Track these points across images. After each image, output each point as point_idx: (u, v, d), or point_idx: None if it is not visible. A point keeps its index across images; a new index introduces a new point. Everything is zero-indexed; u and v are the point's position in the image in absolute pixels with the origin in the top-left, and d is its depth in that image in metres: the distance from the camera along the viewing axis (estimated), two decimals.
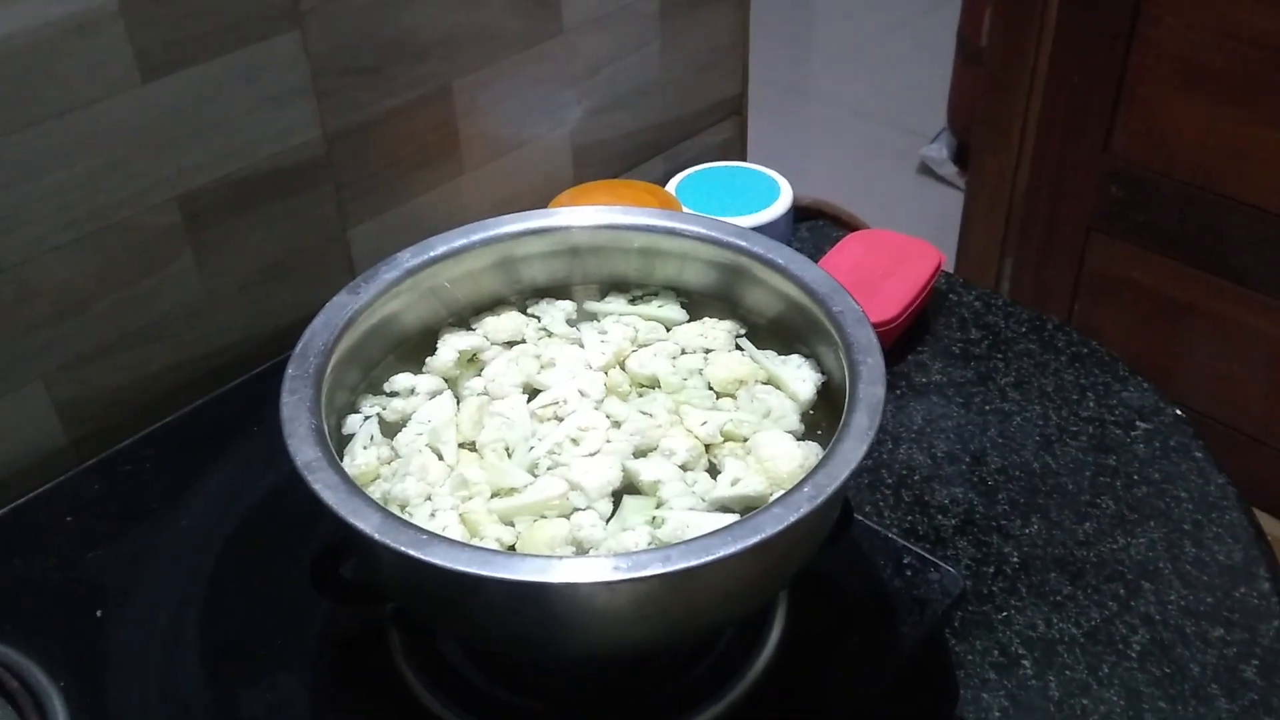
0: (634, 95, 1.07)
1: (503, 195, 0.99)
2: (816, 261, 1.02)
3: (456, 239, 0.67)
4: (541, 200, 0.96)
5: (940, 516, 0.85)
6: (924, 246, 1.04)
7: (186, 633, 0.66)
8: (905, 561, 0.68)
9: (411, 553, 0.49)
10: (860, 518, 0.72)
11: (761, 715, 0.61)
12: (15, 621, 0.66)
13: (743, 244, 0.66)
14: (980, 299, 1.06)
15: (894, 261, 1.02)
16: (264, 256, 0.86)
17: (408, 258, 0.66)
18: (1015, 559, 0.82)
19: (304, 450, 0.53)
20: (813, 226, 1.16)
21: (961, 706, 0.73)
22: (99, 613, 0.67)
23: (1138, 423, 0.93)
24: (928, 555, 0.68)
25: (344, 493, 0.51)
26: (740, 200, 1.01)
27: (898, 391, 0.96)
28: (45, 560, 0.71)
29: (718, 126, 1.18)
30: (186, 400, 0.83)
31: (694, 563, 0.47)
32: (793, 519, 0.50)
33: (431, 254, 0.66)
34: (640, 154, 1.11)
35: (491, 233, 0.67)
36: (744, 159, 1.23)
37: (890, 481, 0.88)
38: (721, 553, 0.48)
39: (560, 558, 0.51)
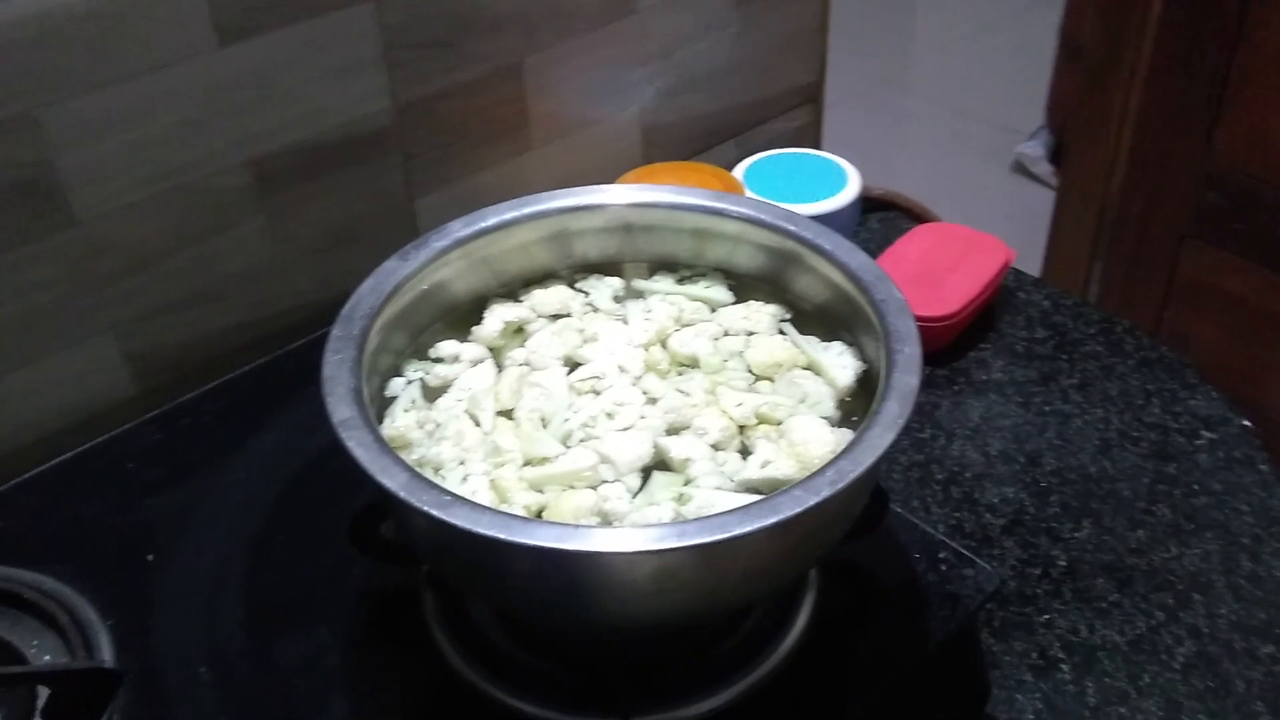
0: (707, 78, 1.07)
1: (569, 172, 1.00)
2: (882, 252, 1.02)
3: (507, 211, 0.68)
4: (607, 179, 0.96)
5: (988, 515, 0.84)
6: (993, 242, 1.02)
7: (231, 580, 0.68)
8: (941, 556, 0.68)
9: (434, 513, 0.50)
10: (900, 510, 0.71)
11: (784, 696, 0.61)
12: (72, 560, 0.69)
13: (790, 228, 0.66)
14: (1050, 298, 1.04)
15: (961, 256, 1.01)
16: (331, 222, 0.88)
17: (458, 227, 0.67)
18: (1063, 562, 0.81)
19: (341, 408, 0.55)
20: (884, 218, 1.15)
21: (994, 706, 0.72)
22: (150, 557, 0.70)
23: (1202, 432, 0.91)
24: (964, 551, 0.67)
25: (375, 451, 0.53)
26: (807, 187, 1.00)
27: (955, 388, 0.95)
28: (104, 504, 0.74)
29: (793, 113, 1.17)
30: (249, 359, 0.85)
31: (704, 539, 0.48)
32: (812, 502, 0.50)
33: (482, 225, 0.67)
34: (712, 138, 1.11)
35: (542, 207, 0.68)
36: (818, 147, 1.22)
37: (940, 477, 0.87)
38: (735, 531, 0.48)
39: (577, 526, 0.51)
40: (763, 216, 0.67)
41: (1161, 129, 1.71)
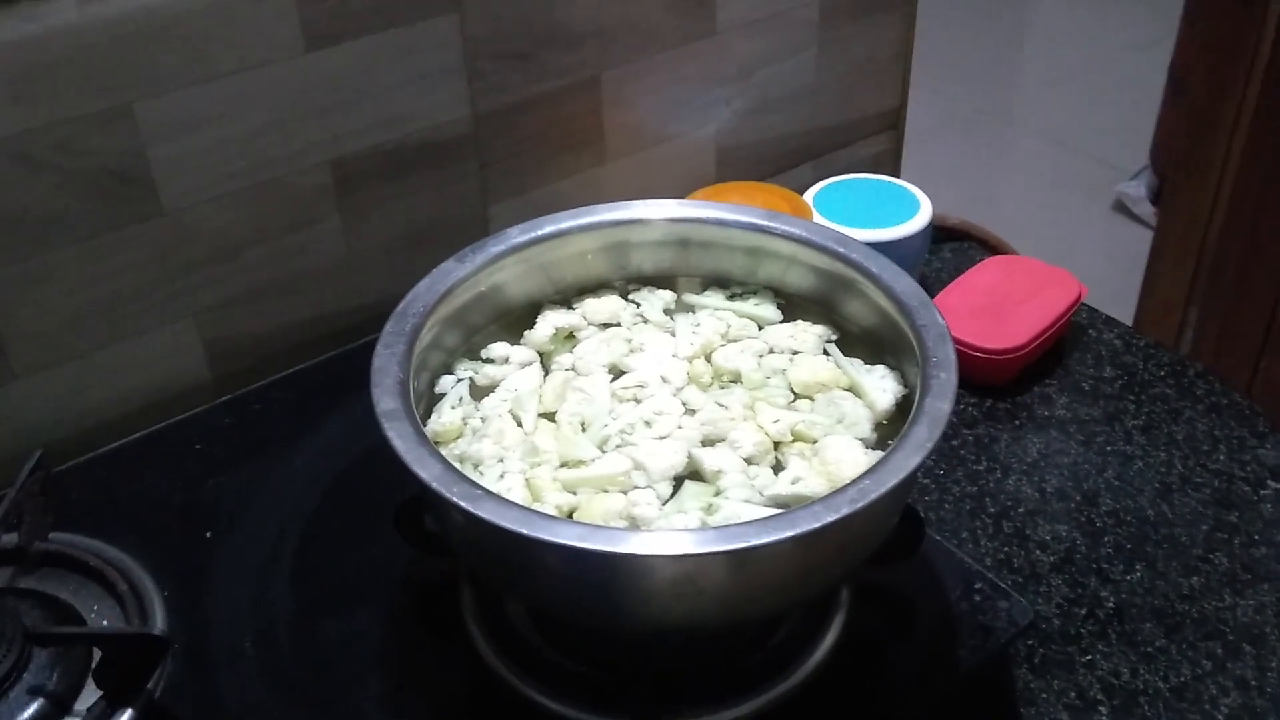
0: (785, 100, 1.08)
1: (642, 187, 1.01)
2: (951, 283, 1.01)
3: (565, 220, 0.70)
4: (680, 195, 0.98)
5: (1039, 552, 0.84)
6: (1065, 277, 1.01)
7: (282, 560, 0.71)
8: (977, 587, 0.67)
9: (463, 505, 0.52)
10: (941, 539, 0.71)
11: (806, 713, 0.62)
12: (135, 531, 0.72)
13: (840, 249, 0.66)
14: (1121, 337, 1.03)
15: (1031, 289, 1.00)
16: (407, 224, 0.91)
17: (516, 233, 0.69)
18: (1111, 604, 0.80)
19: (385, 400, 0.57)
20: (957, 248, 1.15)
21: None
22: (209, 534, 0.73)
23: (1269, 481, 0.89)
24: (1000, 583, 0.67)
25: (414, 442, 0.55)
26: (877, 213, 1.01)
27: (1016, 422, 0.94)
28: (170, 481, 0.77)
29: (872, 139, 1.17)
30: (320, 351, 0.89)
31: (714, 549, 0.49)
32: (829, 519, 0.50)
33: (539, 233, 0.69)
34: (788, 160, 1.12)
35: (597, 218, 0.70)
36: (898, 174, 1.22)
37: (993, 510, 0.87)
38: (747, 542, 0.49)
39: (597, 528, 0.53)
40: (813, 238, 0.68)
41: (1266, 171, 1.67)
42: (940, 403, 0.56)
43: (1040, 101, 3.24)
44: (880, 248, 0.98)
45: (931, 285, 1.07)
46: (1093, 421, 0.94)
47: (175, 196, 0.80)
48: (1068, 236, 2.61)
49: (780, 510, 0.56)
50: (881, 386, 0.64)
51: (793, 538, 0.49)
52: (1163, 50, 2.51)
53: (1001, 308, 0.98)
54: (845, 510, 0.51)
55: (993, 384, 0.97)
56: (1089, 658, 0.76)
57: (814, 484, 0.58)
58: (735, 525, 0.50)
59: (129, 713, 0.62)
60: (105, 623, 0.67)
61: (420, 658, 0.66)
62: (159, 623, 0.67)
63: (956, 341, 0.95)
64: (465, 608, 0.66)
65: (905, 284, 0.63)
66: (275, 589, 0.69)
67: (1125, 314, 1.89)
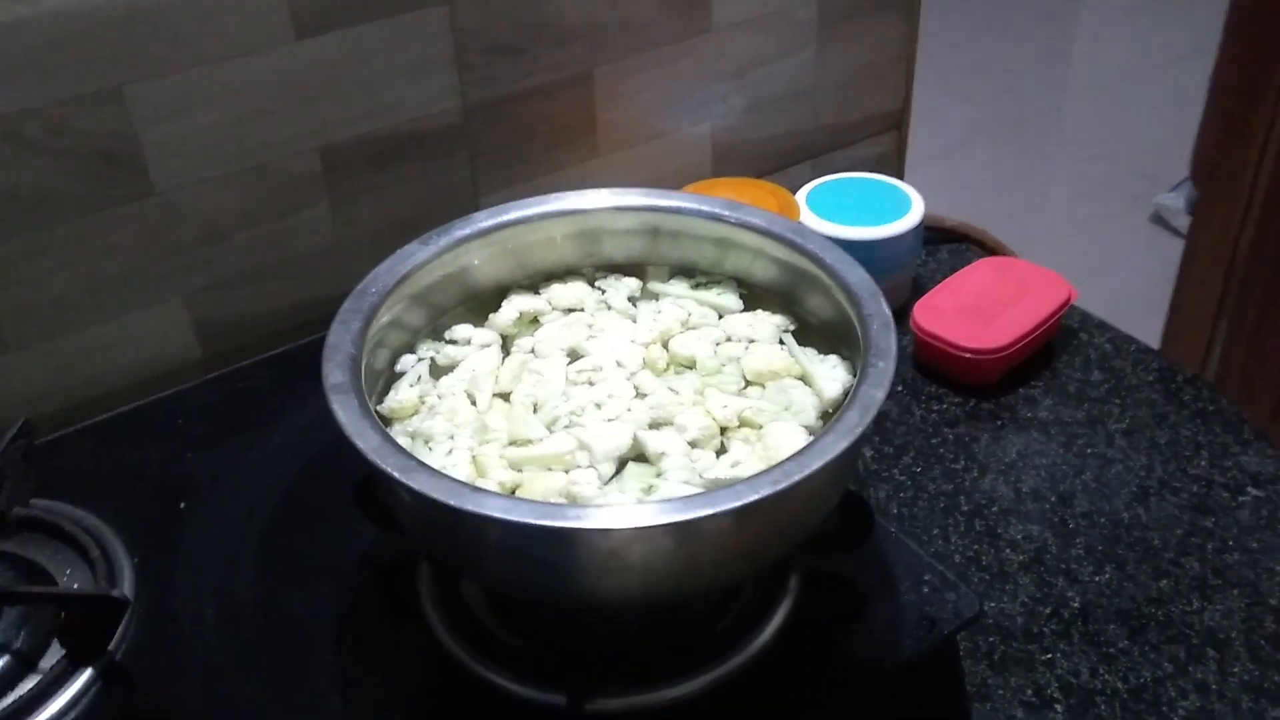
0: (783, 99, 1.09)
1: (635, 182, 1.01)
2: (940, 282, 1.02)
3: (531, 207, 0.71)
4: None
5: (1008, 550, 0.84)
6: (1055, 280, 1.01)
7: (251, 533, 0.73)
8: (926, 578, 0.68)
9: (396, 475, 0.53)
10: (894, 530, 0.72)
11: (746, 695, 0.63)
12: (113, 500, 0.75)
13: (795, 239, 0.67)
14: (1112, 341, 1.02)
15: (1020, 291, 1.00)
16: (396, 212, 0.93)
17: (483, 218, 0.70)
18: (1076, 604, 0.80)
19: (334, 374, 0.59)
20: (955, 249, 1.15)
21: None
22: (182, 505, 0.75)
23: (1249, 488, 0.88)
24: (949, 575, 0.67)
25: (355, 414, 0.56)
26: (869, 212, 1.01)
27: (998, 422, 0.95)
28: (151, 454, 0.80)
29: (874, 140, 1.18)
30: (307, 333, 0.90)
31: (601, 525, 0.50)
32: (750, 499, 0.51)
33: (504, 218, 0.70)
34: (785, 158, 1.12)
35: (562, 205, 0.71)
36: (901, 175, 1.23)
37: (966, 509, 0.87)
38: (637, 523, 0.50)
39: (519, 500, 0.53)
40: (770, 227, 0.68)
41: None
42: (875, 390, 0.56)
43: (1081, 112, 3.21)
44: (870, 246, 1.00)
45: (925, 285, 1.07)
46: (1075, 424, 0.94)
47: (166, 179, 0.82)
48: (1103, 248, 2.59)
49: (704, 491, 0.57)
50: (831, 376, 0.65)
51: (705, 518, 0.50)
52: (1207, 61, 2.49)
53: (989, 309, 0.99)
54: (766, 491, 0.52)
55: (977, 384, 0.97)
56: (1049, 656, 0.77)
57: (753, 468, 0.59)
58: (652, 503, 0.51)
59: (89, 672, 0.64)
60: (77, 586, 0.69)
61: (376, 633, 0.68)
62: (127, 587, 0.69)
63: (941, 341, 0.96)
64: (422, 585, 0.68)
65: (857, 276, 0.64)
66: (242, 561, 0.71)
67: (1157, 326, 1.87)
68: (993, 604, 0.80)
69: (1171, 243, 2.61)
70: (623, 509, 0.51)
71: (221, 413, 0.83)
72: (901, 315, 1.02)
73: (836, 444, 0.54)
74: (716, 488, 0.59)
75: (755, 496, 0.51)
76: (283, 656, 0.66)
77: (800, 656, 0.64)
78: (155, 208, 0.83)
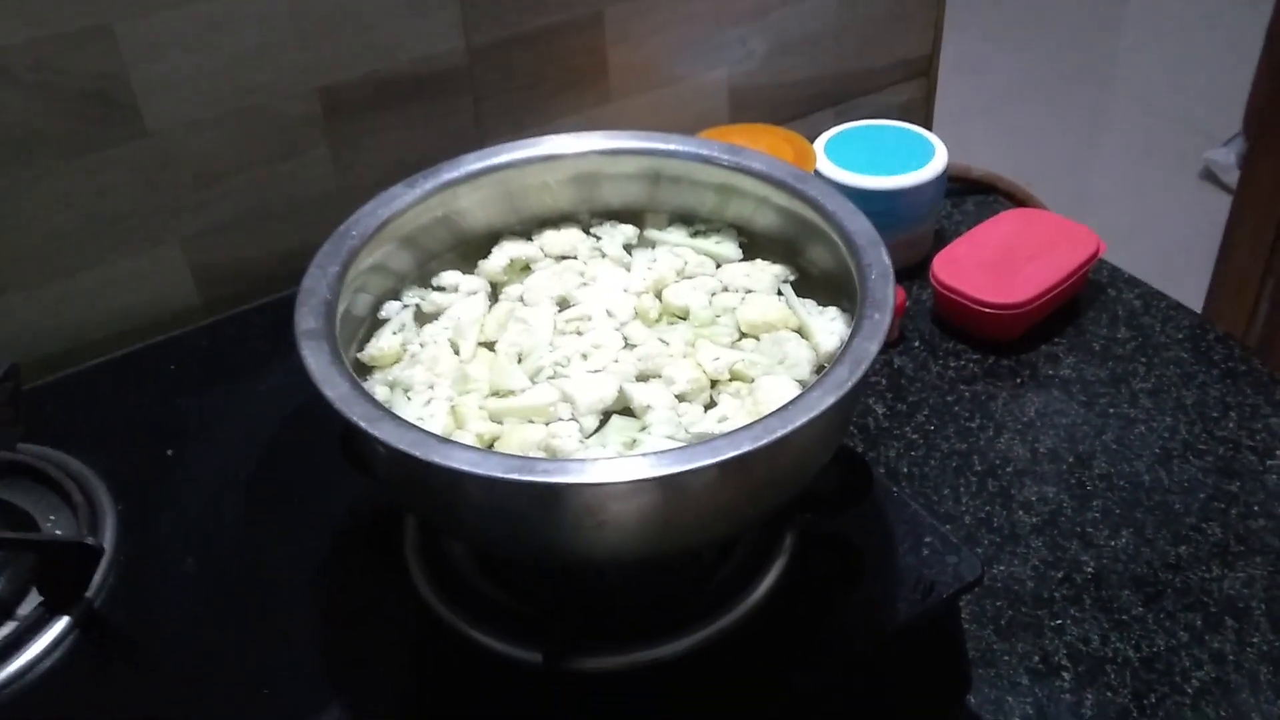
0: (805, 43, 1.05)
1: (648, 129, 0.99)
2: (963, 233, 0.98)
3: (523, 149, 0.68)
4: None
5: (1021, 512, 0.81)
6: (1084, 233, 0.97)
7: (236, 481, 0.72)
8: (927, 540, 0.65)
9: (361, 424, 0.51)
10: (898, 491, 0.69)
11: (736, 655, 0.60)
12: (100, 446, 0.74)
13: (796, 185, 0.64)
14: (1141, 297, 0.98)
15: (1046, 244, 0.96)
16: (398, 156, 0.90)
17: (472, 161, 0.68)
18: (1090, 569, 0.77)
19: (307, 319, 0.57)
20: (982, 201, 1.11)
21: (981, 705, 0.69)
22: (170, 452, 0.74)
23: (1278, 452, 0.84)
24: (951, 538, 0.65)
25: (325, 361, 0.54)
26: (889, 161, 0.97)
27: (1017, 380, 0.91)
28: (141, 400, 0.78)
29: (900, 86, 1.13)
30: None
31: (557, 479, 0.48)
32: (728, 454, 0.49)
33: (494, 161, 0.68)
34: (807, 105, 1.09)
35: (556, 149, 0.68)
36: (928, 123, 1.18)
37: (979, 468, 0.84)
38: (619, 478, 0.48)
39: (485, 453, 0.51)
40: (771, 172, 0.65)
41: None
42: (868, 343, 0.53)
43: (1133, 63, 3.12)
44: (889, 196, 0.96)
45: (948, 237, 1.03)
46: (1098, 383, 0.91)
47: (158, 119, 0.80)
48: (1149, 204, 2.51)
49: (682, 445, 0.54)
50: (829, 329, 0.62)
51: (680, 474, 0.48)
52: (1266, 9, 2.40)
53: (1012, 262, 0.95)
54: (747, 447, 0.49)
55: (997, 340, 0.94)
56: (1059, 622, 0.74)
57: (740, 423, 0.57)
58: (627, 457, 0.49)
59: (65, 619, 0.63)
60: (59, 532, 0.68)
61: (358, 585, 0.66)
62: (109, 534, 0.68)
63: (961, 295, 0.92)
64: (406, 536, 0.66)
65: (859, 224, 0.61)
66: (226, 509, 0.70)
67: (1203, 285, 1.82)
68: (1002, 567, 0.77)
69: (1220, 200, 2.53)
70: (594, 464, 0.49)
71: (214, 359, 0.82)
72: (922, 268, 0.99)
73: (823, 399, 0.51)
74: (699, 442, 0.57)
75: (734, 452, 0.49)
76: (263, 608, 0.65)
77: (791, 618, 0.62)
78: (148, 149, 0.81)
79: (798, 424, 0.50)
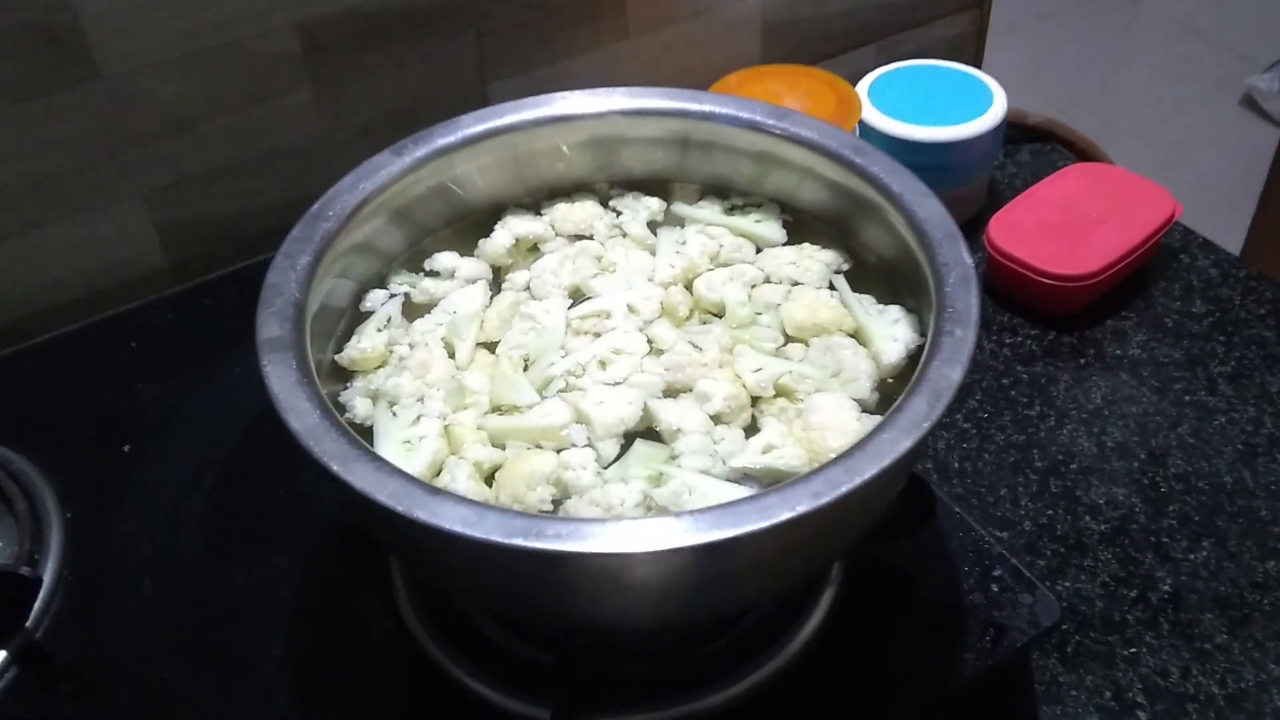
0: None
1: (671, 69, 0.89)
2: (1021, 192, 0.88)
3: (530, 109, 0.58)
4: (715, 79, 0.85)
5: (1088, 518, 0.72)
6: (1158, 193, 0.87)
7: (202, 485, 0.63)
8: (996, 574, 0.56)
9: (331, 466, 0.42)
10: (957, 510, 0.60)
11: (775, 717, 0.52)
12: (48, 440, 0.65)
13: (855, 159, 0.54)
14: (1218, 265, 0.88)
15: (1116, 205, 0.86)
16: (391, 101, 0.80)
17: (470, 123, 0.58)
18: (1167, 587, 0.68)
19: (271, 325, 0.47)
20: (1038, 150, 1.00)
21: None
22: (127, 448, 0.65)
23: None
24: (1026, 571, 0.56)
25: (293, 382, 0.45)
26: (942, 108, 0.87)
27: (1081, 360, 0.82)
28: (97, 383, 0.69)
29: (949, 19, 1.02)
30: None
31: (573, 548, 0.38)
32: (780, 518, 0.40)
33: (497, 123, 0.58)
34: (847, 39, 0.97)
35: (571, 108, 0.58)
36: (978, 61, 1.07)
37: (1040, 464, 0.75)
38: (644, 547, 0.39)
39: (481, 508, 0.41)
40: (825, 142, 0.55)
41: None
42: (949, 370, 0.44)
43: None
44: (942, 149, 0.86)
45: (1002, 194, 0.93)
46: (1172, 365, 0.81)
47: (114, 60, 0.70)
48: (1186, 134, 2.39)
49: (741, 491, 0.45)
50: (892, 334, 0.52)
51: (716, 543, 0.39)
52: None
53: (1078, 226, 0.85)
54: (803, 508, 0.40)
55: (1059, 314, 0.84)
56: (1133, 651, 0.65)
57: (791, 455, 0.48)
58: (651, 520, 0.40)
59: (1, 654, 0.55)
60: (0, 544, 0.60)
61: (337, 616, 0.58)
62: (54, 550, 0.59)
63: (1020, 264, 0.83)
64: (394, 561, 0.57)
65: (931, 210, 0.51)
66: (188, 519, 0.61)
67: (1241, 224, 1.70)
68: (1067, 583, 0.69)
69: (1263, 131, 2.41)
70: (615, 528, 0.40)
71: (181, 335, 0.72)
72: (974, 228, 0.89)
73: (897, 443, 0.42)
74: (744, 478, 0.48)
75: (788, 514, 0.40)
76: (225, 640, 0.56)
77: (836, 671, 0.53)
78: (103, 94, 0.71)
79: (866, 477, 0.41)
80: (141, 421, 0.66)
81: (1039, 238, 0.84)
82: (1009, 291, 0.85)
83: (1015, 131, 1.00)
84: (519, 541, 0.39)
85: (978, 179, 0.91)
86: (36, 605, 0.56)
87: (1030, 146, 1.00)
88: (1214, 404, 0.79)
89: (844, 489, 0.40)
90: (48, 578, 0.58)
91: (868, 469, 0.41)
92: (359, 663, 0.55)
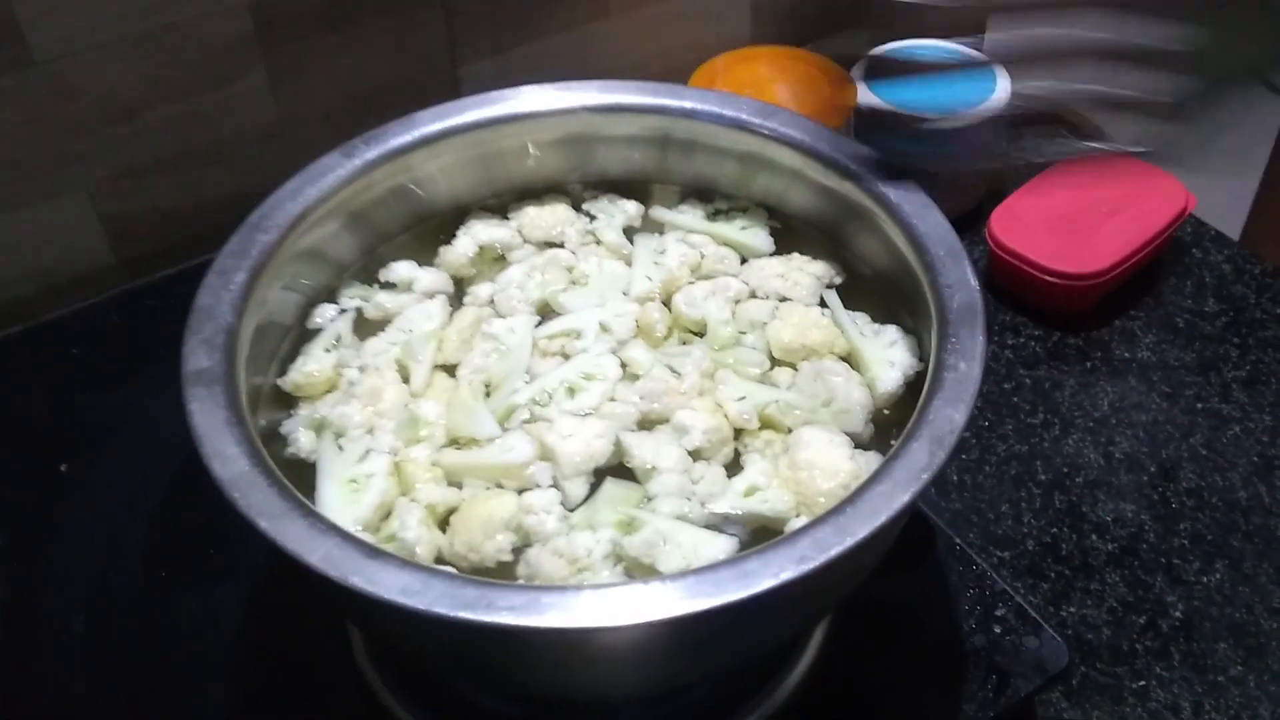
0: None
1: (653, 50, 0.83)
2: (1025, 183, 0.83)
3: (493, 106, 0.53)
4: (698, 62, 0.79)
5: (1095, 536, 0.68)
6: (1169, 184, 0.82)
7: (142, 508, 0.59)
8: (999, 613, 0.52)
9: (260, 524, 0.37)
10: (960, 543, 0.56)
11: None
12: None
13: (849, 165, 0.49)
14: (1231, 261, 0.84)
15: (1126, 197, 0.81)
16: (353, 84, 0.75)
17: (429, 120, 0.53)
18: (1178, 613, 0.64)
19: (198, 354, 0.43)
20: (1042, 135, 0.94)
21: None
22: (63, 466, 0.60)
23: None
24: (1030, 610, 0.52)
25: (219, 421, 0.40)
26: (941, 92, 0.81)
27: (1088, 364, 0.77)
28: (32, 394, 0.65)
29: None
30: None
31: (531, 620, 0.34)
32: (763, 587, 0.35)
33: (458, 120, 0.53)
34: (843, 18, 0.92)
35: (537, 104, 0.53)
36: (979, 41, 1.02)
37: (1044, 477, 0.71)
38: (608, 621, 0.34)
39: (428, 572, 0.36)
40: (819, 146, 0.50)
41: None
42: (951, 410, 0.39)
43: None
44: (942, 136, 0.81)
45: (1004, 183, 0.88)
46: (1183, 369, 0.77)
47: (47, 42, 0.65)
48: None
49: (731, 539, 0.41)
50: (889, 358, 0.48)
51: (702, 613, 0.34)
52: None
53: (1085, 219, 0.80)
54: (788, 574, 0.35)
55: (1064, 313, 0.79)
56: (1141, 684, 0.61)
57: (775, 499, 0.43)
58: (620, 587, 0.35)
59: None
60: None
61: (285, 659, 0.53)
62: None
63: (1023, 261, 0.78)
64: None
65: (932, 222, 0.46)
66: (127, 547, 0.57)
67: (1239, 210, 1.65)
68: (1072, 609, 0.64)
69: (1273, 104, 2.35)
70: (580, 598, 0.35)
71: (128, 339, 0.67)
72: (974, 220, 0.84)
73: (894, 497, 0.37)
74: (723, 523, 0.43)
75: (771, 583, 0.35)
76: (163, 688, 0.52)
77: (828, 713, 0.49)
78: (38, 79, 0.66)
79: (858, 538, 0.36)
80: (81, 435, 0.62)
81: (1044, 232, 0.79)
82: (1011, 289, 0.80)
83: (1018, 114, 0.94)
84: (466, 615, 0.35)
85: (978, 167, 0.86)
86: None
87: (1034, 129, 0.95)
88: (1228, 412, 0.74)
89: (833, 552, 0.36)
90: None
91: (860, 528, 0.36)
92: (308, 710, 0.51)
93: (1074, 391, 0.76)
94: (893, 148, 0.78)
